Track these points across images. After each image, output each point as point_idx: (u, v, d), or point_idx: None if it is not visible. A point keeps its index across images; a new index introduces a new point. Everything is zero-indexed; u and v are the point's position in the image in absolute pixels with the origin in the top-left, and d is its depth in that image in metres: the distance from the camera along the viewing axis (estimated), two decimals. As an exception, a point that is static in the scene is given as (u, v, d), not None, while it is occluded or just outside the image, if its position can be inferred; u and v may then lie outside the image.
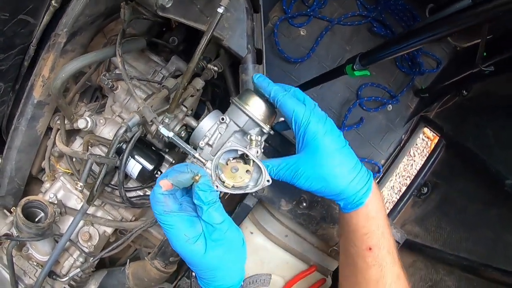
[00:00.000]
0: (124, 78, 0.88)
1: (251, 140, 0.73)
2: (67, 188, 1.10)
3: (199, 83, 0.96)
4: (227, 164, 0.73)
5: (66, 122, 1.05)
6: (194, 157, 0.74)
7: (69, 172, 1.10)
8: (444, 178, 1.46)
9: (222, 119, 0.78)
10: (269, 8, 1.39)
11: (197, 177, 0.67)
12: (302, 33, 1.50)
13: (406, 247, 1.39)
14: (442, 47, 1.66)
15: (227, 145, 0.74)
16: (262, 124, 0.77)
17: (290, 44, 1.49)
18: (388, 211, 1.71)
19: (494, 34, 1.26)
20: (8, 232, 1.03)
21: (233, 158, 0.74)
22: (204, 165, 0.73)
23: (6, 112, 1.13)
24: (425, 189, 1.48)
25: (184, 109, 0.94)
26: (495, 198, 1.16)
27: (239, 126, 0.77)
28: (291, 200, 0.95)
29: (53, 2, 0.88)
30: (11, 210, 1.12)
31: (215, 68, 0.99)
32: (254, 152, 0.73)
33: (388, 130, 1.66)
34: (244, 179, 0.72)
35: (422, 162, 1.58)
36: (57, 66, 0.96)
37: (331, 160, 0.73)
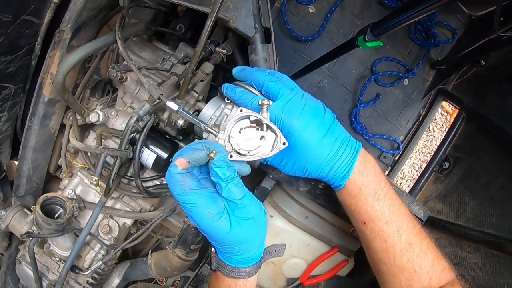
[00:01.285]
0: (124, 57, 0.88)
1: (262, 104, 0.71)
2: (85, 183, 1.11)
3: (208, 67, 0.94)
4: (240, 133, 0.72)
5: (78, 117, 1.05)
6: (205, 130, 0.73)
7: (85, 167, 1.11)
8: (466, 152, 1.42)
9: (228, 99, 0.79)
10: None
11: (212, 154, 0.66)
12: (311, 10, 1.47)
13: (429, 224, 1.36)
14: (457, 16, 1.60)
15: (238, 113, 0.72)
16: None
17: (299, 22, 1.46)
18: (409, 188, 1.69)
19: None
20: (29, 230, 1.04)
21: (245, 128, 0.72)
22: (216, 136, 0.73)
23: (19, 113, 1.16)
24: (447, 164, 1.44)
25: (195, 94, 0.93)
26: None
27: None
28: (309, 180, 0.94)
29: None
30: (31, 208, 1.14)
31: (224, 51, 0.98)
32: (266, 116, 0.71)
33: (405, 105, 1.62)
34: (259, 145, 0.71)
35: (442, 137, 1.54)
36: (64, 63, 0.96)
37: (308, 155, 0.77)
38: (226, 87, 0.80)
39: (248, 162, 0.75)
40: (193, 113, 0.94)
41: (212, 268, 0.83)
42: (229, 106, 0.79)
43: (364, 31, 0.97)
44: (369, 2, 1.55)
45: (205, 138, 0.80)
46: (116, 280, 1.24)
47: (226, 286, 0.81)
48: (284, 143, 0.71)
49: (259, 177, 1.05)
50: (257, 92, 0.79)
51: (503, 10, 1.07)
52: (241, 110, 0.72)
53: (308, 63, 1.30)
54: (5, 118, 1.10)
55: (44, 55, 1.01)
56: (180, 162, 0.67)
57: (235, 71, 0.83)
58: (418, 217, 1.05)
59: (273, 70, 0.83)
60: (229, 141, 0.71)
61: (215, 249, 0.79)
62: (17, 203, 1.16)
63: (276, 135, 0.71)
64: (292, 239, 1.15)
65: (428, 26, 1.56)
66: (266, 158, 0.80)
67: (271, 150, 0.71)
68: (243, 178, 0.75)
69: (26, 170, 1.13)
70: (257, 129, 0.72)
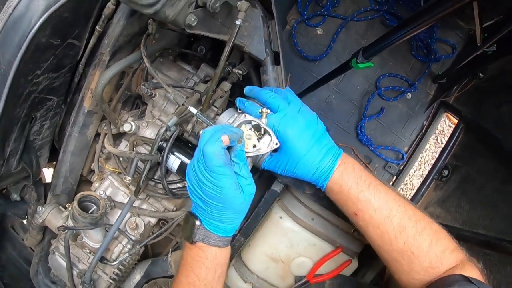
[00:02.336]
0: (150, 71, 1.01)
1: (262, 112, 0.87)
2: (114, 186, 1.21)
3: (226, 86, 1.06)
4: (243, 133, 0.88)
5: (112, 127, 1.18)
6: None
7: (116, 171, 1.22)
8: (464, 160, 1.49)
9: (239, 109, 0.95)
10: (286, 12, 1.46)
11: (241, 139, 0.82)
12: (319, 32, 1.56)
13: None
14: (456, 32, 1.67)
15: (242, 117, 0.89)
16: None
17: (308, 43, 1.55)
18: (410, 197, 1.76)
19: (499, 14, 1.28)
20: (64, 224, 1.15)
21: (248, 129, 0.89)
22: None
23: (59, 122, 1.28)
24: (446, 172, 1.52)
25: (215, 109, 1.06)
26: (511, 175, 1.19)
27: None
28: (313, 184, 1.04)
29: (97, 27, 1.01)
30: (66, 206, 1.25)
31: (240, 72, 1.10)
32: (264, 122, 0.87)
33: (409, 118, 1.69)
34: (257, 144, 0.88)
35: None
36: (103, 80, 1.09)
37: (297, 160, 0.89)
38: (238, 101, 0.96)
39: (249, 157, 0.91)
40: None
41: (194, 240, 0.90)
42: (241, 116, 0.92)
43: (356, 54, 1.09)
44: (373, 22, 1.64)
45: None
46: (137, 276, 1.33)
47: (212, 254, 0.90)
48: (276, 143, 0.87)
49: (269, 181, 1.15)
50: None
51: (487, 27, 1.18)
52: (245, 116, 0.88)
53: (314, 82, 1.40)
54: (47, 125, 1.23)
55: (85, 73, 1.14)
56: (225, 139, 0.79)
57: (246, 90, 0.98)
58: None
59: (278, 88, 0.96)
60: None
61: (200, 222, 0.89)
62: (53, 200, 1.27)
63: (271, 137, 0.87)
64: (299, 239, 1.23)
65: (428, 43, 1.64)
66: (264, 161, 0.94)
67: (267, 148, 0.87)
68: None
69: (64, 171, 1.24)
70: (257, 131, 0.88)
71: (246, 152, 0.86)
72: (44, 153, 1.34)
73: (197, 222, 0.89)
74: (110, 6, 0.98)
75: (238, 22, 0.85)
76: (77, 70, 1.13)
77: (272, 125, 0.88)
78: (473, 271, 0.85)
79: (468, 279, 0.79)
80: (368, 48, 1.06)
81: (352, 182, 0.90)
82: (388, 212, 0.88)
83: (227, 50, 0.87)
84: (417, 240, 0.87)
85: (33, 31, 0.87)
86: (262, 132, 0.88)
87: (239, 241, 1.20)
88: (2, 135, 1.03)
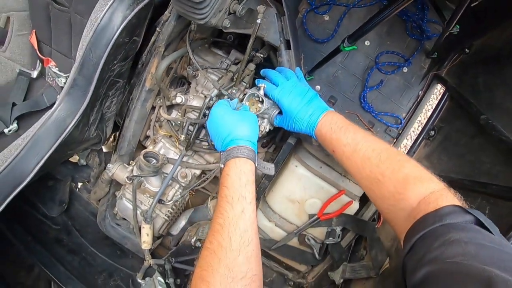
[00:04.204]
0: (193, 61, 1.33)
1: (260, 87, 1.20)
2: (166, 147, 1.48)
3: (251, 66, 1.36)
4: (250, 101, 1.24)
5: (166, 101, 1.48)
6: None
7: (168, 135, 1.51)
8: (447, 122, 1.67)
9: (257, 87, 1.26)
10: (298, 3, 1.74)
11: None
12: (326, 18, 1.73)
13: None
14: (445, 13, 1.87)
15: (248, 91, 1.24)
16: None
17: (318, 28, 1.72)
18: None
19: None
20: (132, 174, 1.39)
21: (255, 99, 1.24)
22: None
23: (122, 100, 1.58)
24: (433, 132, 1.76)
25: (244, 84, 1.36)
26: (477, 131, 1.41)
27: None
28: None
29: (157, 28, 1.34)
30: (129, 163, 1.51)
31: (261, 55, 1.36)
32: (262, 92, 1.21)
33: (406, 88, 1.83)
34: (258, 108, 1.23)
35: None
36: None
37: (293, 118, 1.17)
38: (257, 80, 1.27)
39: (260, 115, 1.25)
40: (243, 95, 1.37)
41: (222, 166, 1.04)
42: (248, 91, 1.25)
43: (343, 40, 1.39)
44: (372, 9, 1.82)
45: None
46: (183, 222, 1.60)
47: (233, 163, 1.01)
48: (266, 105, 1.22)
49: (286, 136, 1.46)
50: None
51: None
52: (250, 90, 1.23)
53: (319, 60, 1.68)
54: (114, 102, 1.54)
55: (146, 61, 1.45)
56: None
57: (261, 72, 1.29)
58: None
59: (284, 68, 1.25)
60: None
61: (221, 151, 1.08)
62: (118, 160, 1.52)
63: (265, 100, 1.22)
64: (311, 183, 1.52)
65: (420, 23, 1.87)
66: (275, 120, 1.25)
67: (263, 108, 1.21)
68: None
69: (128, 136, 1.53)
70: (259, 100, 1.23)
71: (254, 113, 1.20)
72: (110, 124, 1.64)
73: (220, 153, 1.09)
74: (167, 14, 1.31)
75: (258, 21, 1.15)
76: (140, 59, 1.46)
77: (273, 95, 1.20)
78: (451, 200, 0.80)
79: (464, 209, 0.74)
80: (351, 35, 1.36)
81: (328, 127, 1.09)
82: (355, 146, 1.02)
83: (251, 41, 1.20)
84: (380, 167, 0.94)
85: (116, 34, 1.21)
86: (261, 99, 1.23)
87: (264, 183, 1.51)
88: (91, 108, 1.36)
